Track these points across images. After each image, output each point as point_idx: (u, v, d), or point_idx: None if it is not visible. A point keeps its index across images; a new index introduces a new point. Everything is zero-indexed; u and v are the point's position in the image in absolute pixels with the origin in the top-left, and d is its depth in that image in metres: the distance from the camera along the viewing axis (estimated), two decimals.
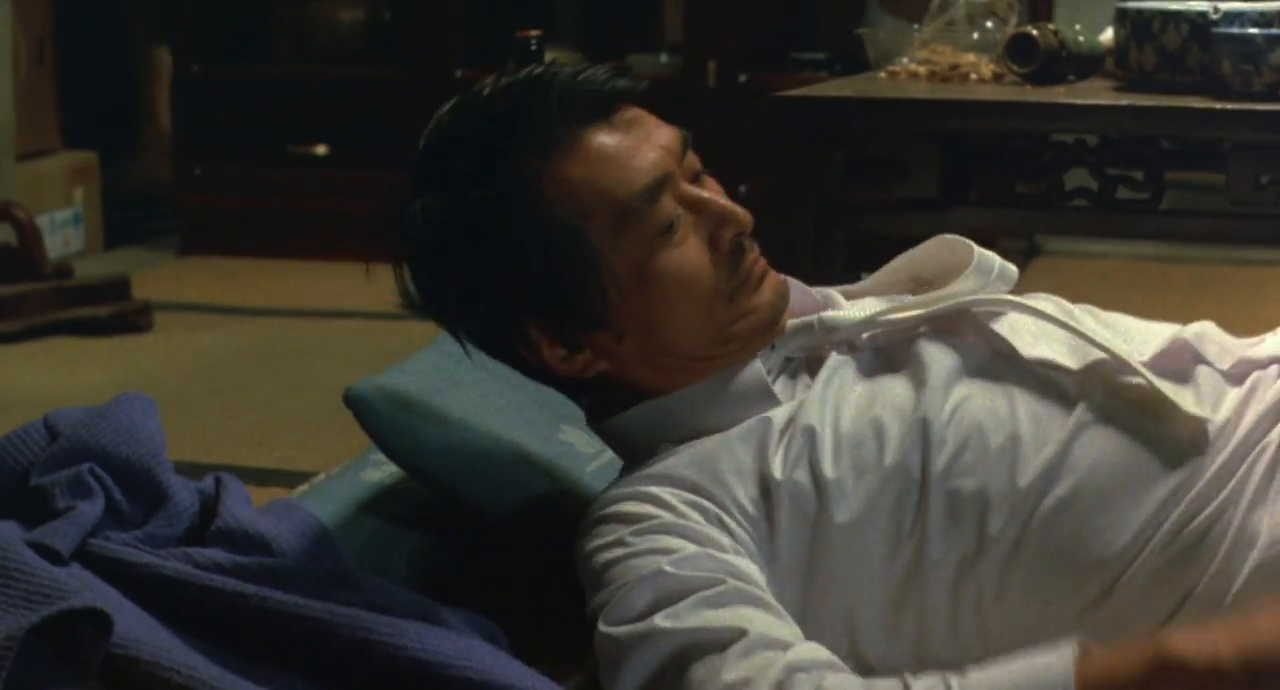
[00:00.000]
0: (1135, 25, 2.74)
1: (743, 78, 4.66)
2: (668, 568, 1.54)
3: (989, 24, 3.04)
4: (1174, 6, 2.73)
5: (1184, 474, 1.63)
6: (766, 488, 1.62)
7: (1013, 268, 1.81)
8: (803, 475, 1.62)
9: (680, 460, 1.65)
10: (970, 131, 2.75)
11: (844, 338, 1.73)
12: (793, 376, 1.73)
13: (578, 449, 1.99)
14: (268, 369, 4.00)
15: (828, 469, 1.61)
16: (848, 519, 1.61)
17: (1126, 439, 1.64)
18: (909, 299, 1.77)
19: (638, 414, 1.71)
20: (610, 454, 1.87)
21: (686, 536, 1.58)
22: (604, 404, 1.75)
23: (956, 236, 1.83)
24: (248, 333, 4.34)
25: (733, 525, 1.61)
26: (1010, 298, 1.74)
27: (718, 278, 1.66)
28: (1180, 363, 1.72)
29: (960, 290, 1.76)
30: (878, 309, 1.74)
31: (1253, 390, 1.69)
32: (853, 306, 1.77)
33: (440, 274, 1.68)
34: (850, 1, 4.93)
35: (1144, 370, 1.66)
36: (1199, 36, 2.67)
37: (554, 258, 1.63)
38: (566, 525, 1.70)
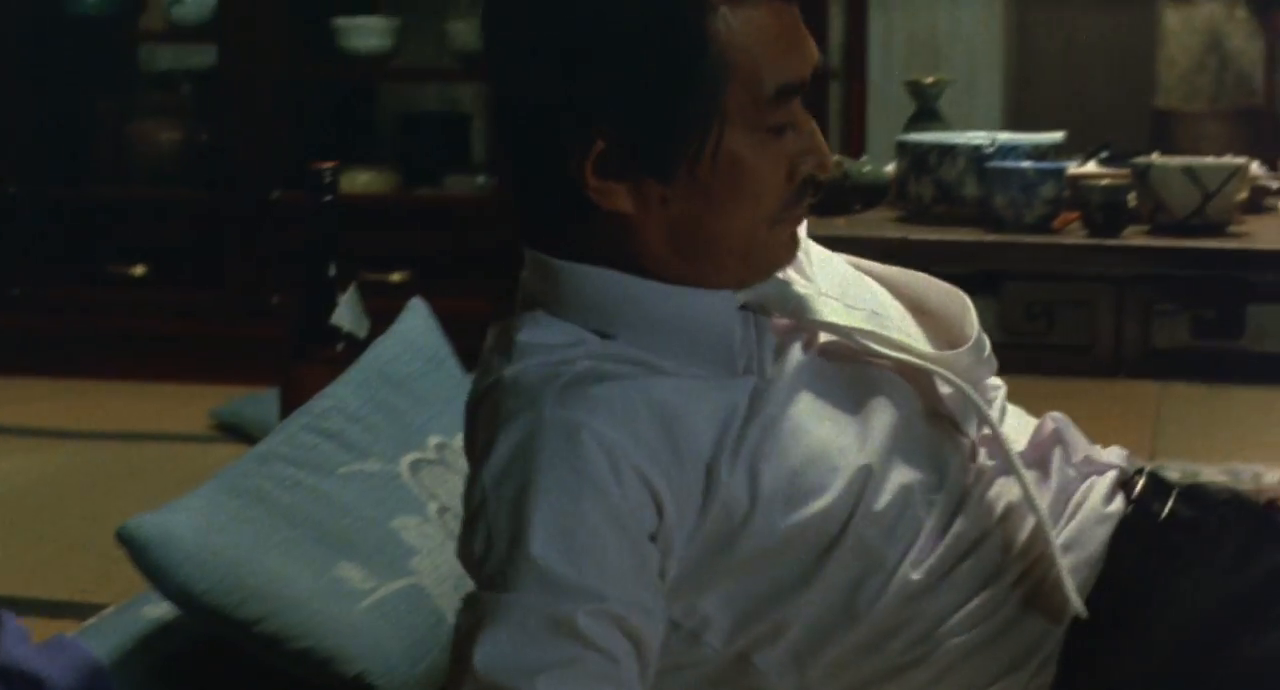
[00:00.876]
0: (914, 158, 2.84)
1: None
2: (558, 568, 1.54)
3: None
4: (952, 140, 2.83)
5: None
6: (709, 485, 1.61)
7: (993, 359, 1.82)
8: (741, 485, 1.61)
9: (645, 411, 1.60)
10: None
11: (804, 326, 1.71)
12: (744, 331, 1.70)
13: (353, 585, 2.01)
14: (74, 495, 3.99)
15: (766, 482, 1.61)
16: (761, 545, 1.62)
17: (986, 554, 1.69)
18: (893, 327, 1.75)
19: (611, 279, 1.67)
20: (386, 592, 1.89)
21: (610, 519, 1.56)
22: (568, 244, 1.68)
23: (968, 301, 1.81)
24: (56, 456, 4.32)
25: (668, 509, 1.59)
26: (965, 389, 1.73)
27: (779, 199, 1.65)
28: (1043, 454, 1.77)
29: (946, 360, 1.74)
30: (857, 320, 1.72)
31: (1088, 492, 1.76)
32: (828, 303, 1.74)
33: (563, 28, 1.62)
34: None
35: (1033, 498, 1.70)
36: (975, 169, 2.76)
37: (683, 87, 1.59)
38: (336, 658, 1.72)
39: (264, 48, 5.00)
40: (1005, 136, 2.85)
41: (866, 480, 1.64)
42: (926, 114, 3.12)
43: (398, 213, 4.98)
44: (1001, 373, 1.80)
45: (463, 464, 1.72)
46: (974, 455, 1.72)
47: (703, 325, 1.67)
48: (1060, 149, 2.84)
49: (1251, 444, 3.24)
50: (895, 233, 2.74)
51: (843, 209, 2.90)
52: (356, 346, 2.80)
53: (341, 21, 4.96)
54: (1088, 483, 1.77)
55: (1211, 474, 2.81)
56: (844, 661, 1.66)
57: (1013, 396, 1.81)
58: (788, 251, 1.70)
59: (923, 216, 2.79)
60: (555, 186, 1.64)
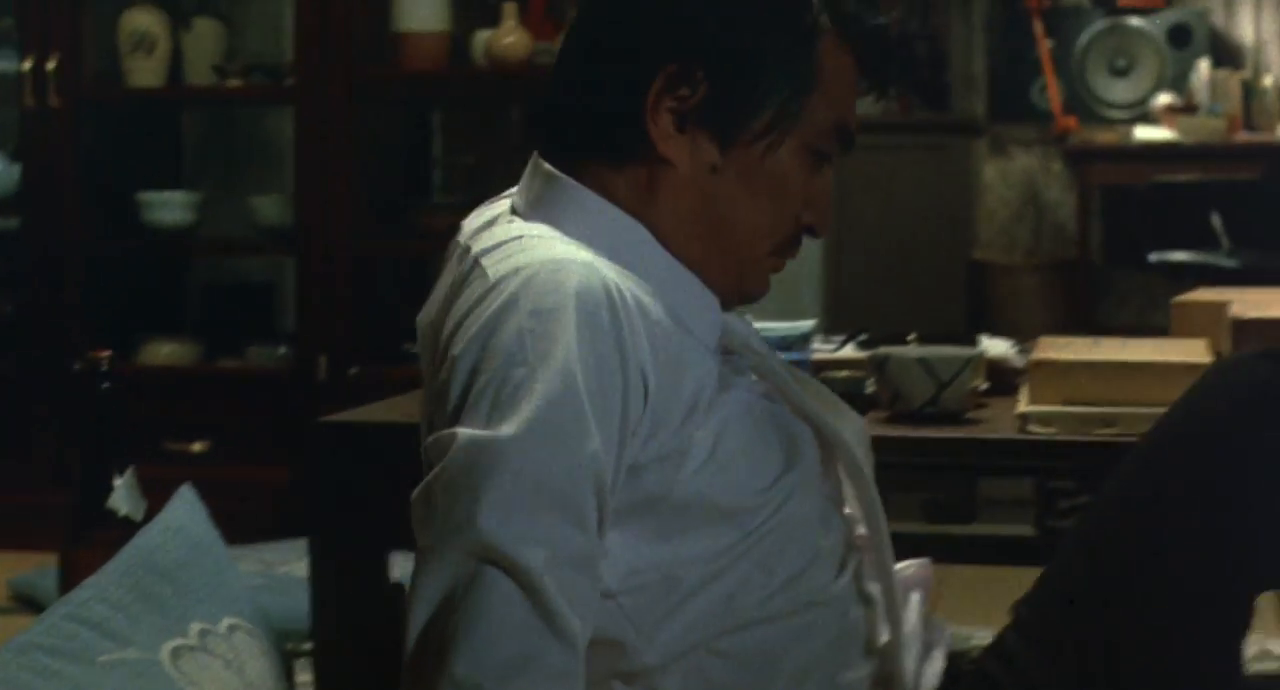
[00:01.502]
0: None
1: (353, 370, 4.82)
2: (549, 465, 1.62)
3: None
4: None
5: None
6: (685, 418, 1.72)
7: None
8: (706, 439, 1.73)
9: (659, 325, 1.72)
10: None
11: (758, 369, 1.86)
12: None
13: None
14: None
15: (722, 450, 1.75)
16: (693, 500, 1.74)
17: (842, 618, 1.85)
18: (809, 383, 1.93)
19: (628, 223, 1.79)
20: None
21: (598, 424, 1.64)
22: (593, 176, 1.80)
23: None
24: None
25: (640, 425, 1.69)
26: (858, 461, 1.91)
27: (788, 227, 1.83)
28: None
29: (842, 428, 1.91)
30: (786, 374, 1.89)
31: None
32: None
33: None
34: None
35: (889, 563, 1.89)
36: None
37: (784, 70, 1.77)
38: None
39: (68, 220, 5.07)
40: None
41: (786, 498, 1.79)
42: None
43: (200, 383, 5.06)
44: None
45: (223, 650, 1.79)
46: (851, 533, 1.89)
47: (697, 304, 1.81)
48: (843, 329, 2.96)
49: (979, 621, 3.32)
50: None
51: None
52: (133, 530, 2.87)
53: (146, 195, 5.05)
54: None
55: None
56: (700, 636, 1.77)
57: None
58: (763, 287, 1.87)
59: None
60: (621, 109, 1.78)
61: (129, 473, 3.07)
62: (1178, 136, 8.14)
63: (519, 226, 1.79)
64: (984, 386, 2.89)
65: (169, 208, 5.06)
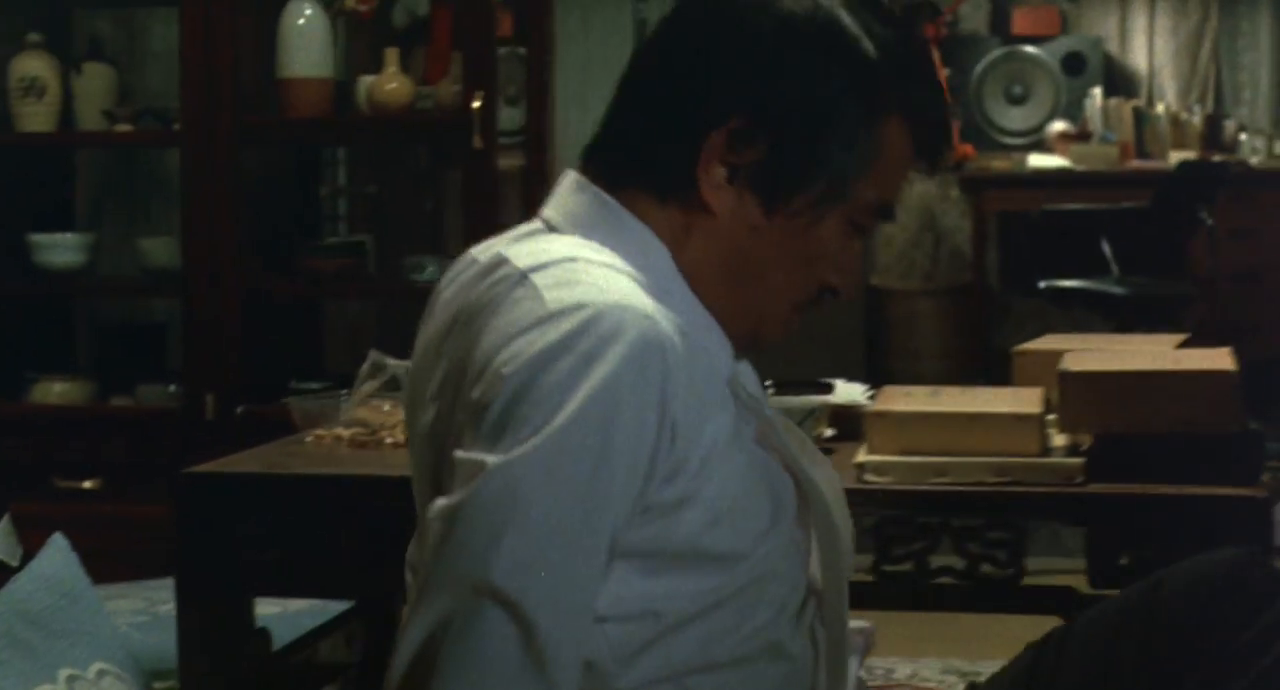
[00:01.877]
0: None
1: (240, 409, 4.88)
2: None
3: None
4: None
5: None
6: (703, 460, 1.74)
7: None
8: (712, 483, 1.75)
9: (698, 373, 1.73)
10: (385, 508, 2.75)
11: (759, 418, 1.86)
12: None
13: None
14: None
15: (727, 493, 1.76)
16: (686, 541, 1.76)
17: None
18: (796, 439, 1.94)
19: (666, 256, 1.80)
20: None
21: (619, 472, 1.66)
22: (635, 204, 1.81)
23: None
24: None
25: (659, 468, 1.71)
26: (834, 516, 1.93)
27: (814, 287, 1.85)
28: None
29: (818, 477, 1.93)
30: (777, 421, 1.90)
31: None
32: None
33: (799, 35, 1.78)
34: (360, 333, 5.22)
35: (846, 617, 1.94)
36: None
37: (845, 149, 1.78)
38: None
39: None
40: None
41: (770, 550, 1.82)
42: None
43: (92, 421, 5.10)
44: None
45: None
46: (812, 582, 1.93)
47: (716, 346, 1.83)
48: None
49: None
50: None
51: None
52: (8, 575, 2.93)
53: (38, 237, 5.10)
54: None
55: None
56: (672, 672, 1.80)
57: None
58: (777, 339, 1.88)
59: None
60: (678, 149, 1.78)
61: (5, 518, 3.13)
62: (1071, 164, 8.27)
63: (568, 244, 1.79)
64: (829, 433, 2.98)
65: (61, 249, 5.10)
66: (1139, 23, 9.51)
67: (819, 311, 1.90)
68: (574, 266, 1.73)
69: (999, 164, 8.43)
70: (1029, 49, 9.00)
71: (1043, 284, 7.43)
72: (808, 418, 2.90)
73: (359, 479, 2.79)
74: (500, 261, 1.77)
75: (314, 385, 4.90)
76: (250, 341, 4.95)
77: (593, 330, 1.66)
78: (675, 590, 1.76)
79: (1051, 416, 2.72)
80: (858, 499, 2.55)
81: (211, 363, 4.94)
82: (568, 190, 1.85)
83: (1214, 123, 8.61)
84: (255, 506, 2.83)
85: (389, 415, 3.11)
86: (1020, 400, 2.71)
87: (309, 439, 3.10)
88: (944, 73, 8.83)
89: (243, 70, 4.88)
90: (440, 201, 5.70)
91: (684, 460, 1.72)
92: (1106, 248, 7.46)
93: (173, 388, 5.09)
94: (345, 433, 3.08)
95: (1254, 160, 8.44)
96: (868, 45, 1.78)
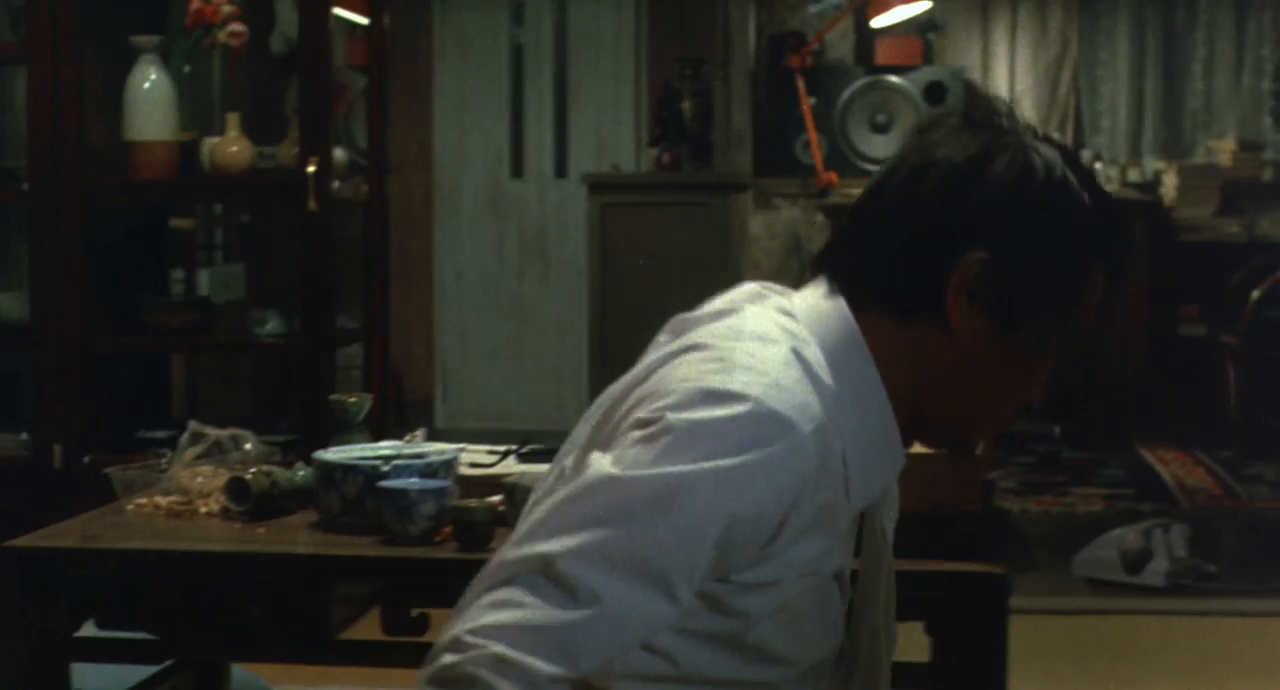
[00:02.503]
0: (323, 473, 3.19)
1: (87, 459, 5.05)
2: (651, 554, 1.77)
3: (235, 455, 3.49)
4: (355, 457, 3.21)
5: None
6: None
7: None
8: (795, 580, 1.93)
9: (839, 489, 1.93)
10: (196, 578, 3.05)
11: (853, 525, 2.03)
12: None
13: None
14: None
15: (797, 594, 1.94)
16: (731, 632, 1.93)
17: None
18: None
19: (877, 380, 1.96)
20: None
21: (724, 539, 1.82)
22: (888, 329, 1.98)
23: None
24: None
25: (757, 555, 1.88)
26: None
27: (1012, 404, 2.03)
28: None
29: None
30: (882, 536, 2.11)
31: None
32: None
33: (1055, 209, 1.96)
34: (206, 382, 5.39)
35: None
36: (371, 487, 3.13)
37: (1072, 281, 1.97)
38: None
39: None
40: (410, 449, 3.25)
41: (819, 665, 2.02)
42: (348, 427, 3.49)
43: None
44: None
45: None
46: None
47: (884, 465, 2.01)
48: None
49: None
50: (302, 542, 3.08)
51: (279, 511, 3.23)
52: None
53: None
54: None
55: None
56: None
57: None
58: (976, 443, 2.12)
59: (333, 525, 3.13)
60: (925, 278, 1.96)
61: None
62: None
63: (791, 332, 1.98)
64: None
65: None
66: (1000, 53, 9.77)
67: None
68: (780, 354, 1.93)
69: (861, 191, 8.61)
70: (892, 78, 9.23)
71: None
72: None
73: (170, 554, 3.01)
74: (731, 311, 2.07)
75: (160, 434, 5.08)
76: (97, 394, 5.11)
77: (773, 416, 1.84)
78: (698, 656, 1.93)
79: None
80: None
81: (58, 414, 5.11)
82: (820, 294, 2.04)
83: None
84: (72, 579, 3.02)
85: (206, 484, 3.31)
86: None
87: (130, 507, 3.29)
88: (809, 102, 9.03)
89: (90, 132, 5.06)
90: (283, 259, 5.88)
91: (766, 557, 1.89)
92: None
93: (24, 436, 5.25)
94: (164, 501, 3.27)
95: (1109, 188, 8.69)
96: (1087, 200, 1.99)
